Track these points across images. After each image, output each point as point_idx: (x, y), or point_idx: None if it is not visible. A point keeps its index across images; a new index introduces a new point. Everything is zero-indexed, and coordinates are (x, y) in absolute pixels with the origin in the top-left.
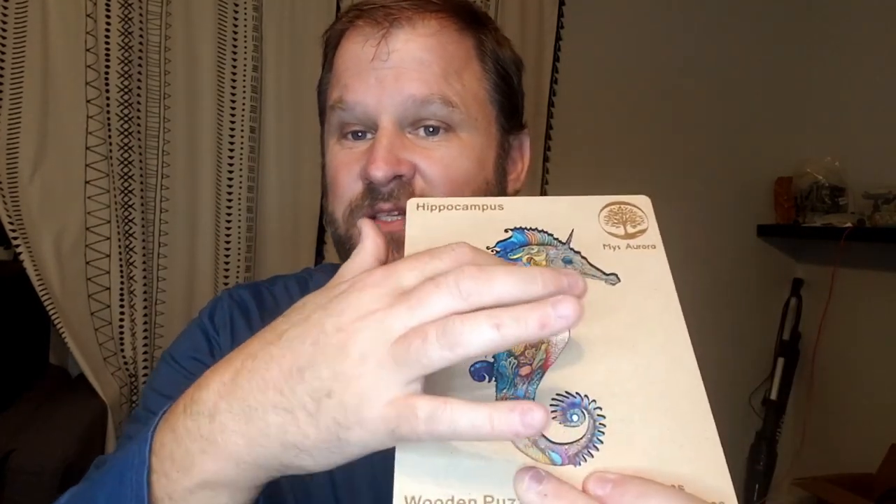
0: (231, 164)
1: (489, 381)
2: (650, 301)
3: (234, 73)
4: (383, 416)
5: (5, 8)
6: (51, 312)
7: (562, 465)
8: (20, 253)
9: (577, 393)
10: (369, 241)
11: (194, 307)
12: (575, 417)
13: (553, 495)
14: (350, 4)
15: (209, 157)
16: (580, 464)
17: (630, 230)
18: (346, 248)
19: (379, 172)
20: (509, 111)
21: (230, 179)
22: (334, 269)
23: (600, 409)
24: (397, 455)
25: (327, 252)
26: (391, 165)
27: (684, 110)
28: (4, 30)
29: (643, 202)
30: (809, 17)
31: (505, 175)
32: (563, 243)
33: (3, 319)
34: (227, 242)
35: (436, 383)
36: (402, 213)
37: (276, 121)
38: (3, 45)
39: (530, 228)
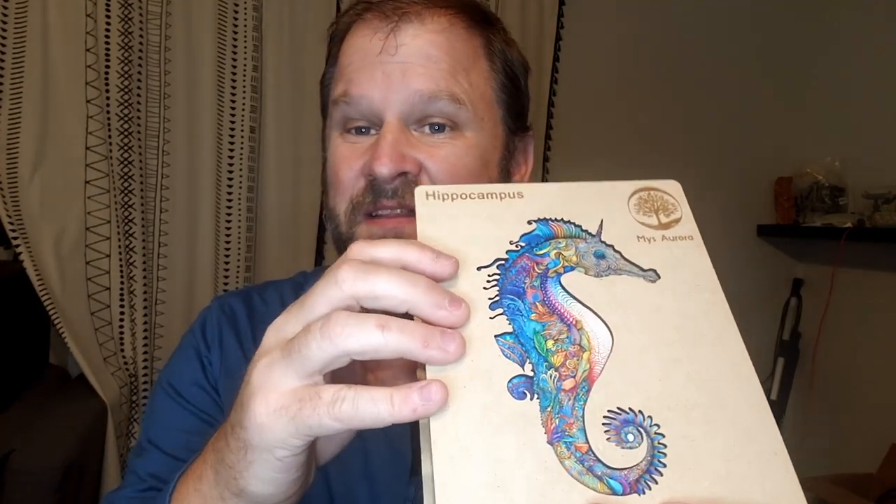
0: (231, 164)
1: (531, 399)
2: (694, 299)
3: (234, 73)
4: (280, 406)
5: (5, 8)
6: (51, 312)
7: (623, 494)
8: (20, 253)
9: (629, 409)
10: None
11: (194, 307)
12: (630, 437)
13: None
14: (352, 3)
15: (209, 157)
16: (644, 492)
17: (663, 219)
18: (346, 245)
19: (384, 169)
20: (515, 112)
21: (230, 179)
22: None
23: (657, 426)
24: (437, 490)
25: (327, 252)
26: (396, 162)
27: (684, 111)
28: (4, 30)
29: (674, 188)
30: (809, 17)
31: (509, 177)
32: (594, 235)
33: (3, 319)
34: (227, 242)
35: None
36: (406, 210)
37: (276, 121)
38: (4, 45)
39: (555, 219)
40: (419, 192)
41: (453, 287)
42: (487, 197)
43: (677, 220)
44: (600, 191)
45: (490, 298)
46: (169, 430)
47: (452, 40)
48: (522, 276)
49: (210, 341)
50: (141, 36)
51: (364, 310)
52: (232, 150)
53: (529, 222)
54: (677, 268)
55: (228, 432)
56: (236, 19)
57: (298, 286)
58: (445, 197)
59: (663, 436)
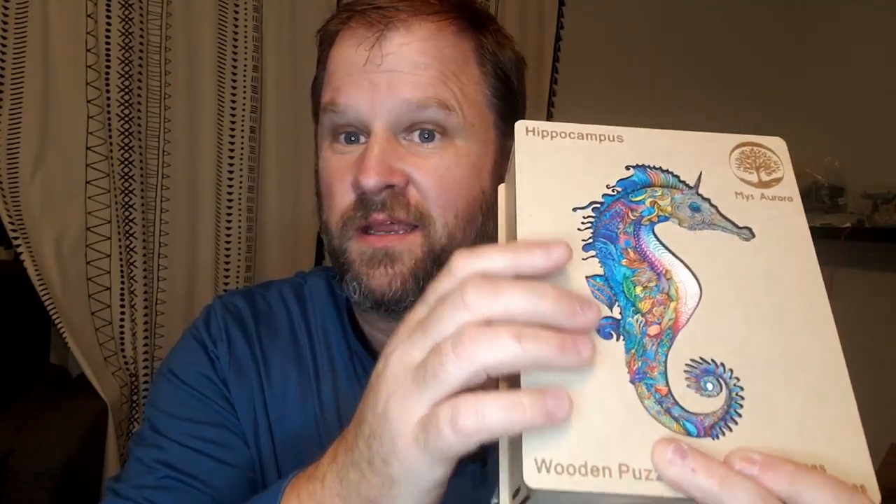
0: (231, 164)
1: (617, 340)
2: (787, 262)
3: (234, 73)
4: (414, 437)
5: (6, 8)
6: (51, 312)
7: (698, 436)
8: (21, 253)
9: (711, 360)
10: None
11: (194, 307)
12: (710, 386)
13: (703, 471)
14: (346, 3)
15: (209, 157)
16: (718, 437)
17: (764, 178)
18: (340, 261)
19: (370, 182)
20: (509, 115)
21: (230, 179)
22: (328, 273)
23: (738, 379)
24: None
25: (327, 252)
26: (382, 175)
27: (684, 111)
28: (5, 30)
29: (779, 145)
30: (809, 17)
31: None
32: (691, 187)
33: (3, 319)
34: (228, 242)
35: None
36: (397, 223)
37: (276, 121)
38: (4, 45)
39: (653, 167)
40: (519, 126)
41: (547, 227)
42: (587, 138)
43: (778, 180)
44: (703, 141)
45: (584, 240)
46: (177, 419)
47: (440, 46)
48: (616, 222)
49: (216, 336)
50: (141, 36)
51: None
52: (232, 150)
53: (627, 168)
54: (773, 228)
55: (364, 467)
56: (236, 19)
57: (298, 286)
58: (545, 134)
59: (742, 388)
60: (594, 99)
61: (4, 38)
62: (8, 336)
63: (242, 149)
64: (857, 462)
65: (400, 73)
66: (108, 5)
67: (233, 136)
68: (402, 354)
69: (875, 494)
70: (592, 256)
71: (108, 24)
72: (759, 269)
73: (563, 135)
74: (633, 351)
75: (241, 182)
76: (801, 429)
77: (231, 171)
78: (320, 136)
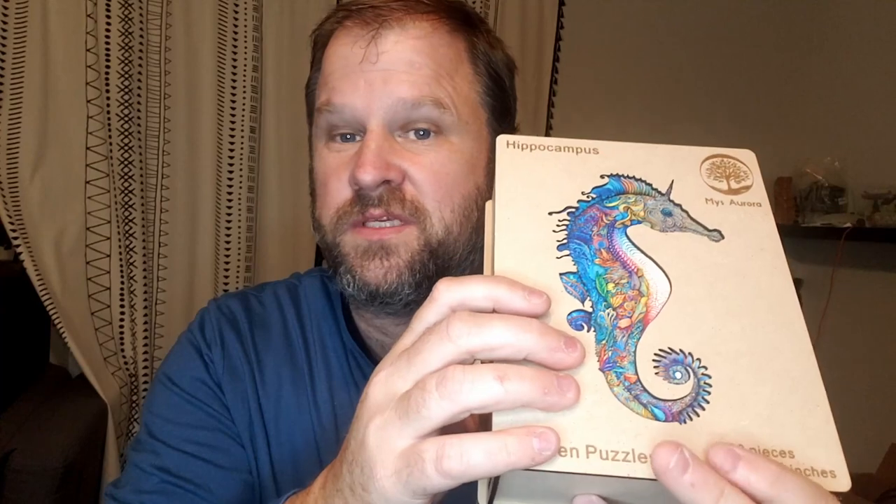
0: (231, 164)
1: (588, 331)
2: (756, 261)
3: (234, 73)
4: (395, 470)
5: (5, 8)
6: (51, 312)
7: (665, 421)
8: (20, 253)
9: (679, 350)
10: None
11: (194, 307)
12: (678, 374)
13: (701, 485)
14: (342, 4)
15: (209, 157)
16: (685, 422)
17: (734, 185)
18: (333, 254)
19: (367, 177)
20: (501, 114)
21: (230, 179)
22: (324, 273)
23: (705, 368)
24: None
25: (320, 248)
26: (379, 170)
27: (684, 111)
28: (5, 30)
29: (748, 157)
30: (809, 18)
31: None
32: (663, 194)
33: (3, 319)
34: (227, 242)
35: None
36: (393, 219)
37: (276, 121)
38: (4, 45)
39: (627, 176)
40: (500, 140)
41: (524, 229)
42: (564, 150)
43: (747, 188)
44: (674, 153)
45: (558, 241)
46: (173, 424)
47: (435, 45)
48: (590, 225)
49: (210, 340)
50: (141, 36)
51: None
52: (232, 150)
53: (602, 176)
54: (743, 231)
55: (347, 493)
56: (236, 19)
57: (293, 287)
58: (524, 147)
59: (710, 377)
60: (594, 99)
61: (4, 38)
62: (8, 336)
63: (242, 149)
64: (827, 448)
65: (395, 72)
66: (107, 5)
67: (233, 136)
68: (385, 383)
69: (844, 479)
70: (566, 255)
71: (108, 24)
72: (729, 268)
73: (541, 147)
74: (603, 342)
75: (240, 182)
76: (769, 414)
77: (231, 171)
78: (315, 136)
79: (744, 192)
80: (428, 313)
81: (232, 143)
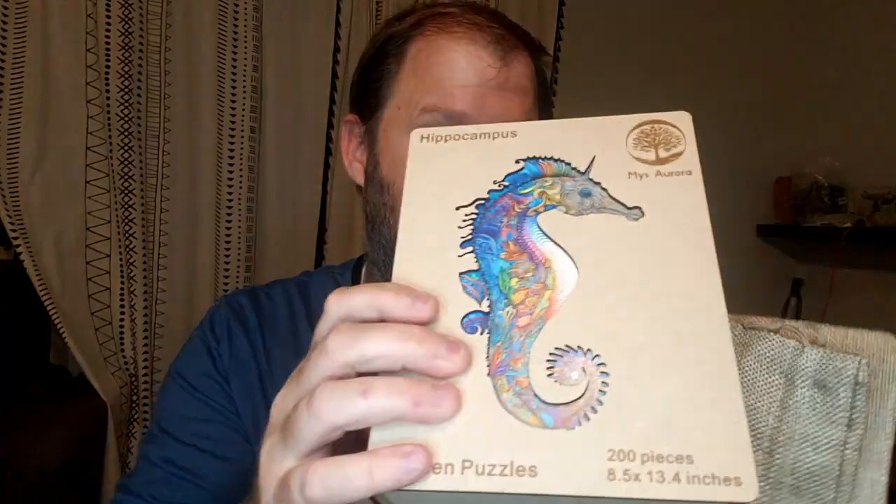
0: (231, 164)
1: (481, 334)
2: (677, 238)
3: (234, 73)
4: (274, 495)
5: (5, 8)
6: (51, 312)
7: (553, 427)
8: (20, 253)
9: (577, 347)
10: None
11: (194, 307)
12: (574, 375)
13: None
14: (422, 11)
15: (209, 157)
16: (574, 427)
17: (662, 154)
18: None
19: None
20: None
21: (230, 179)
22: (334, 270)
23: (604, 364)
24: None
25: (327, 252)
26: None
27: (684, 110)
28: (5, 30)
29: (682, 119)
30: (810, 17)
31: None
32: (582, 173)
33: (3, 319)
34: (227, 242)
35: None
36: None
37: (276, 121)
38: (4, 45)
39: (545, 158)
40: (415, 135)
41: (427, 228)
42: (481, 137)
43: (678, 155)
44: (599, 126)
45: (462, 237)
46: (181, 418)
47: (534, 74)
48: (501, 216)
49: (219, 335)
50: (141, 36)
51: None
52: (232, 150)
53: (518, 161)
54: (666, 206)
55: None
56: (236, 19)
57: (303, 285)
58: (439, 139)
59: (607, 374)
60: (594, 99)
61: (4, 38)
62: (8, 336)
63: (242, 149)
64: (734, 452)
65: (513, 97)
66: (107, 5)
67: (233, 136)
68: (281, 403)
69: (751, 487)
70: (469, 253)
71: (108, 24)
72: (646, 250)
73: (457, 137)
74: (498, 343)
75: (241, 182)
76: (668, 414)
77: (231, 171)
78: (393, 126)
79: (673, 160)
80: (321, 327)
81: (232, 143)
